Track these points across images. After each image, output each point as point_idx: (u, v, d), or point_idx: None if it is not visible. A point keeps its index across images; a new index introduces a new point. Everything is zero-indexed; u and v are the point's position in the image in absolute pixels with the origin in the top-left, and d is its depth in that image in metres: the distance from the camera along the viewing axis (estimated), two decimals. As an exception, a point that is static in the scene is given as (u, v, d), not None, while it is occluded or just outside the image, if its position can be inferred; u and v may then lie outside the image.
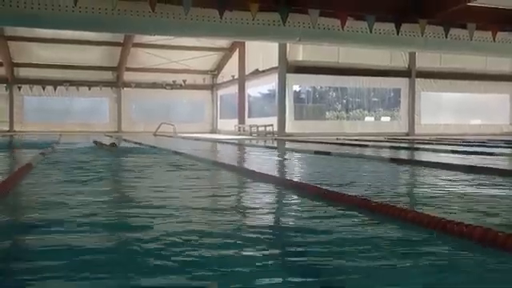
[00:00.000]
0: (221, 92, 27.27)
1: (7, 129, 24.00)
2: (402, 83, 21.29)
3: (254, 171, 4.78)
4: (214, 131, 26.75)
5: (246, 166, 6.44)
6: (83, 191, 3.35)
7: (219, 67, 26.66)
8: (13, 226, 2.34)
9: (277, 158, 7.65)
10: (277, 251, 1.89)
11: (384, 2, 13.24)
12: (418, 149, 9.96)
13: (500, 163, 6.26)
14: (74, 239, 1.96)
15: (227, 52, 25.15)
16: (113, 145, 9.22)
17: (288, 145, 11.53)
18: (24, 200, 3.26)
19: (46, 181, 3.99)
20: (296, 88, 21.62)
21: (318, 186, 3.48)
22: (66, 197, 3.08)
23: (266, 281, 1.50)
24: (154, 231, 2.10)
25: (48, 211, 2.58)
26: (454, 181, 4.15)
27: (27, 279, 1.49)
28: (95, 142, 10.11)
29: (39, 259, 1.68)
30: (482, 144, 11.17)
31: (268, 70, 20.48)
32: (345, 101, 24.20)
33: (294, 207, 2.95)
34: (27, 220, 2.45)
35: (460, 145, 10.89)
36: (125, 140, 13.72)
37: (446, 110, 22.91)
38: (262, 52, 20.73)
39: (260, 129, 19.62)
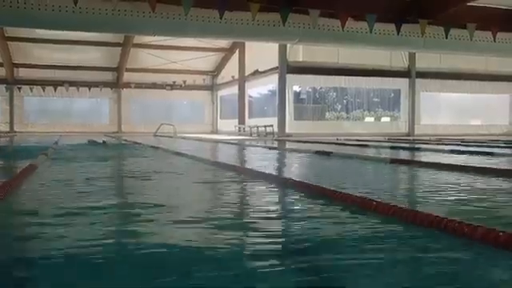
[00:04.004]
0: (221, 92, 27.28)
1: (7, 130, 23.98)
2: (401, 83, 21.27)
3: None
4: (214, 132, 26.75)
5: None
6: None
7: (219, 68, 26.66)
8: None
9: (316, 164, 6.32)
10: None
11: (384, 2, 13.26)
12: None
13: None
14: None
15: (227, 52, 25.14)
16: (93, 141, 10.30)
17: (308, 146, 10.04)
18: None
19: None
20: (296, 88, 21.64)
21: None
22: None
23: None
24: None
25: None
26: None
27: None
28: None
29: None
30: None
31: (268, 70, 20.47)
32: (345, 101, 24.24)
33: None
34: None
35: (465, 145, 10.73)
36: (125, 140, 13.71)
37: (446, 111, 22.93)
38: (262, 52, 20.72)
39: (260, 129, 19.62)
